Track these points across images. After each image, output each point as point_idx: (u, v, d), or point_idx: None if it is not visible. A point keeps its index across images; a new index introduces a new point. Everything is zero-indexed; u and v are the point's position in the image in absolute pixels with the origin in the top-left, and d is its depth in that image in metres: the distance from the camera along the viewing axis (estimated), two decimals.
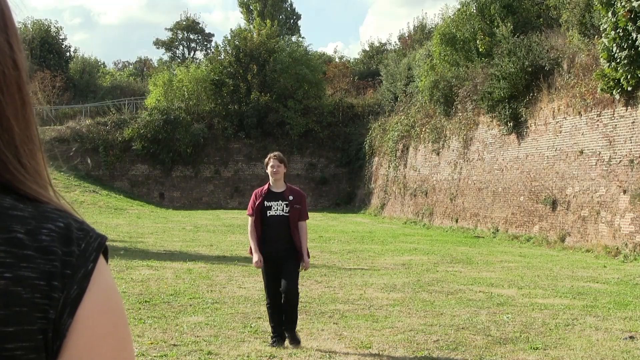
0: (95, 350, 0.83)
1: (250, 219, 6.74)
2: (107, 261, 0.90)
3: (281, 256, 6.63)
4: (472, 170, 24.15)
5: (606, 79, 16.01)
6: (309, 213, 7.04)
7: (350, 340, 6.96)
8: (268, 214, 6.63)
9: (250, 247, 6.79)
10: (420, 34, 41.48)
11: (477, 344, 6.87)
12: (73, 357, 0.82)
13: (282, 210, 6.62)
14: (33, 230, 0.83)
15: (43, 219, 0.84)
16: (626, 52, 15.06)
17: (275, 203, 6.62)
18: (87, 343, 0.83)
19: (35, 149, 0.88)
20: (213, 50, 48.70)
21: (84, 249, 0.85)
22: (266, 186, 6.78)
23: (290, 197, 6.67)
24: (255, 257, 6.66)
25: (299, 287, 6.95)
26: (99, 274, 0.86)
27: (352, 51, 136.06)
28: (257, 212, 6.63)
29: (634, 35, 14.79)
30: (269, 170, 6.73)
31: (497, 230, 21.51)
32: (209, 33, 65.06)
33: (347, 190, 38.58)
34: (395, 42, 50.66)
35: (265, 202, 6.64)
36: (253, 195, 6.78)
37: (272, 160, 6.73)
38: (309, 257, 6.84)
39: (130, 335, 0.88)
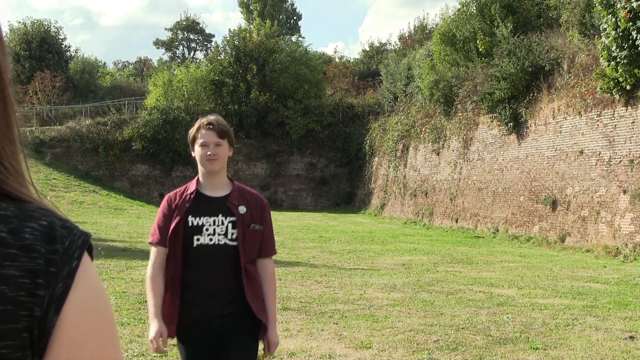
0: (81, 346, 0.83)
1: (152, 251, 3.30)
2: (92, 259, 0.90)
3: (221, 329, 3.25)
4: (472, 170, 24.15)
5: (606, 79, 16.01)
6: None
7: (350, 340, 6.95)
8: (195, 243, 3.21)
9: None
10: (421, 34, 41.49)
11: (477, 344, 6.87)
12: (59, 354, 0.82)
13: (225, 234, 3.22)
14: (16, 229, 0.83)
15: (26, 218, 0.85)
16: (626, 52, 15.06)
17: (210, 220, 3.23)
18: (73, 340, 0.83)
19: (16, 150, 0.89)
20: (213, 50, 48.72)
21: (67, 247, 0.86)
22: (192, 185, 3.35)
23: (242, 208, 3.26)
24: (153, 330, 3.23)
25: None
26: (83, 271, 0.86)
27: (353, 51, 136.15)
28: (172, 240, 3.23)
29: (634, 35, 14.79)
30: (197, 151, 3.30)
31: (497, 230, 21.50)
32: (209, 33, 65.12)
33: (347, 190, 38.58)
34: (395, 42, 50.72)
35: (190, 218, 3.23)
36: (164, 203, 3.34)
37: (204, 131, 3.29)
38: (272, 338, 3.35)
39: (117, 331, 0.88)
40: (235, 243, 3.24)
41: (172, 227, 3.24)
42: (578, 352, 6.60)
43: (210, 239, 3.23)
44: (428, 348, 6.67)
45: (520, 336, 7.23)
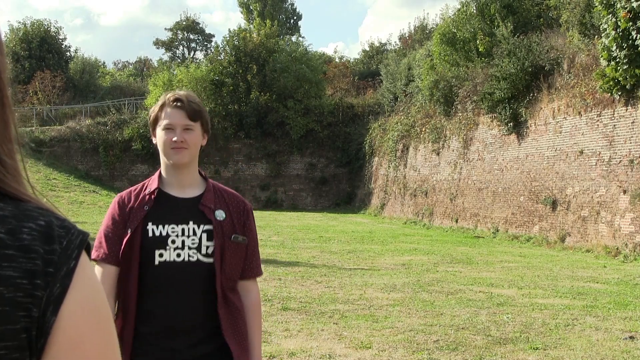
0: (79, 347, 0.83)
1: (97, 272, 2.37)
2: (90, 258, 0.90)
3: None
4: (472, 170, 24.15)
5: (606, 79, 16.01)
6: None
7: (350, 340, 6.95)
8: (157, 259, 2.37)
9: None
10: (421, 34, 41.49)
11: (477, 344, 6.87)
12: (57, 355, 0.82)
13: (198, 248, 2.39)
14: (14, 229, 0.83)
15: (24, 218, 0.85)
16: (626, 51, 15.06)
17: (178, 229, 2.40)
18: (71, 340, 0.83)
19: (14, 149, 0.89)
20: (213, 50, 48.73)
21: (65, 247, 0.85)
22: (153, 182, 2.52)
23: (220, 213, 2.44)
24: None
25: None
26: (81, 271, 0.86)
27: (353, 51, 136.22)
28: (126, 255, 2.38)
29: (634, 35, 14.79)
30: (160, 136, 2.45)
31: (497, 231, 21.50)
32: (209, 33, 65.16)
33: (347, 190, 38.57)
34: (395, 42, 50.73)
35: (151, 227, 2.40)
36: (114, 205, 2.48)
37: (169, 109, 2.44)
38: None
39: (115, 331, 0.88)
40: (211, 260, 2.38)
41: (126, 238, 2.36)
42: (578, 352, 6.60)
43: (179, 255, 2.36)
44: (428, 348, 6.67)
45: (520, 336, 7.23)
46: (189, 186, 2.48)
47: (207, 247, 2.39)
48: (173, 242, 2.38)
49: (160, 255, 2.37)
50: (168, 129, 2.42)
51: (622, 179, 16.06)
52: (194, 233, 2.40)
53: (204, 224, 2.41)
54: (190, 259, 2.38)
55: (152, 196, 2.45)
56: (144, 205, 2.43)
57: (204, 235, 2.40)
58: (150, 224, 2.40)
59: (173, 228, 2.39)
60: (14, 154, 0.89)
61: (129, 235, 2.38)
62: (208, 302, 2.38)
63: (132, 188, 2.54)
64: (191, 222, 2.41)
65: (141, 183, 2.55)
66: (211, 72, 40.00)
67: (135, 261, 2.36)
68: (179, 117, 2.42)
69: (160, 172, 2.51)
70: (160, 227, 2.39)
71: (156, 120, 2.47)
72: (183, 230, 2.39)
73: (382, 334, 7.25)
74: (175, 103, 2.43)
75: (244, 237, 2.47)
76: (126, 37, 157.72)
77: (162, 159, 2.48)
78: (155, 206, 2.43)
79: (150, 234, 2.39)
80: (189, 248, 2.38)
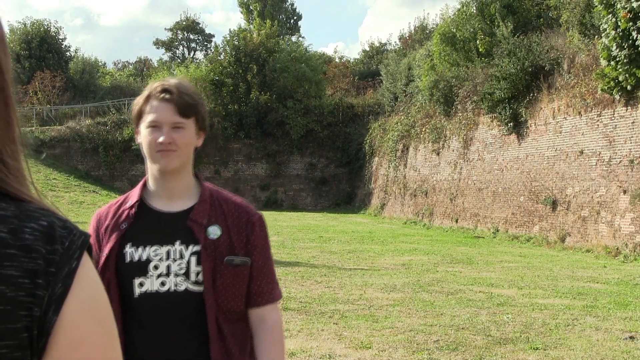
0: (80, 346, 0.83)
1: None
2: (91, 259, 0.90)
3: None
4: (472, 170, 24.15)
5: (606, 79, 16.02)
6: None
7: (350, 340, 6.95)
8: (137, 290, 1.90)
9: None
10: (421, 34, 41.50)
11: (477, 344, 6.87)
12: (59, 354, 0.83)
13: (186, 274, 1.91)
14: (16, 229, 0.83)
15: (26, 218, 0.85)
16: (626, 51, 15.06)
17: (161, 251, 1.92)
18: (72, 340, 0.83)
19: (17, 150, 0.89)
20: (213, 50, 48.74)
21: (67, 247, 0.86)
22: (134, 194, 2.02)
23: (213, 230, 1.94)
24: None
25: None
26: (83, 272, 0.86)
27: (353, 51, 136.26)
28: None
29: (634, 35, 14.80)
30: (144, 135, 1.96)
31: (497, 231, 21.50)
32: (209, 33, 65.17)
33: (347, 190, 38.57)
34: (395, 42, 50.75)
35: (129, 249, 1.92)
36: (92, 223, 2.01)
37: (155, 102, 1.94)
38: None
39: (116, 331, 0.89)
40: (202, 288, 1.91)
41: (100, 263, 1.92)
42: (578, 352, 6.60)
43: (163, 283, 1.90)
44: (428, 348, 6.67)
45: (520, 336, 7.23)
46: (178, 197, 1.99)
47: (197, 273, 1.91)
48: (156, 267, 1.91)
49: (141, 284, 1.90)
50: (153, 126, 1.94)
51: (622, 179, 16.07)
52: (181, 256, 1.92)
53: (193, 244, 1.93)
54: (178, 288, 1.90)
55: (132, 211, 1.97)
56: (121, 222, 1.96)
57: (193, 259, 1.91)
58: (128, 245, 1.93)
59: (156, 250, 1.92)
60: (18, 155, 0.89)
61: (102, 260, 1.92)
62: (202, 341, 1.91)
63: (113, 202, 2.05)
64: (177, 243, 1.92)
65: (123, 195, 2.07)
66: (211, 72, 39.99)
67: (114, 293, 1.89)
68: (167, 112, 1.94)
69: (145, 181, 2.04)
70: (140, 249, 1.92)
71: (140, 115, 1.98)
72: (168, 252, 1.92)
73: (382, 334, 7.25)
74: (162, 95, 1.94)
75: (244, 259, 1.96)
76: (126, 37, 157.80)
77: (148, 164, 2.02)
78: (135, 223, 1.95)
79: (128, 259, 1.92)
80: (176, 275, 1.91)
